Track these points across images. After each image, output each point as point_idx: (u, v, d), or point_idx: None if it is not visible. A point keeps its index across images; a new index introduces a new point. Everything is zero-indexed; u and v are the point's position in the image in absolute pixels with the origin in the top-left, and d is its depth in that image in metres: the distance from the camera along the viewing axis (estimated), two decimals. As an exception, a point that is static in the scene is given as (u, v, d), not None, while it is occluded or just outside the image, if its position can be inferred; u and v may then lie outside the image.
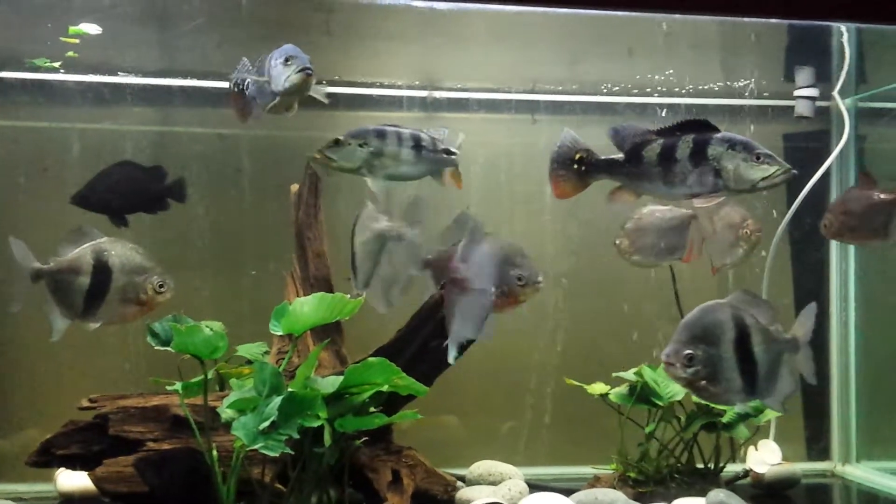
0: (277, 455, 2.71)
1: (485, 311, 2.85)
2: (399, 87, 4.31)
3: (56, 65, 3.86)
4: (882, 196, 3.58)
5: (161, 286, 3.34)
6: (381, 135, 3.35)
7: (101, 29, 3.69)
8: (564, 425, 4.30)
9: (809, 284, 4.54)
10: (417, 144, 3.38)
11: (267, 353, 3.62)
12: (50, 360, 4.02)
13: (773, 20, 3.73)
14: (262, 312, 3.26)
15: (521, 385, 4.30)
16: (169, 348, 2.90)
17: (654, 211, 3.77)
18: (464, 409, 4.26)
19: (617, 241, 3.81)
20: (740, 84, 4.34)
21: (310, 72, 3.11)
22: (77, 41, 3.73)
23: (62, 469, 3.63)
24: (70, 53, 3.78)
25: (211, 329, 2.94)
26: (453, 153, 3.42)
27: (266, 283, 3.99)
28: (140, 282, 3.33)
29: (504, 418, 4.32)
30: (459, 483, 3.66)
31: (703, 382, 2.82)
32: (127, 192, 3.67)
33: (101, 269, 3.31)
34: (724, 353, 2.82)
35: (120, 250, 3.36)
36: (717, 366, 2.81)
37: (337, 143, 3.35)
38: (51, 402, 3.95)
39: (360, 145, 3.34)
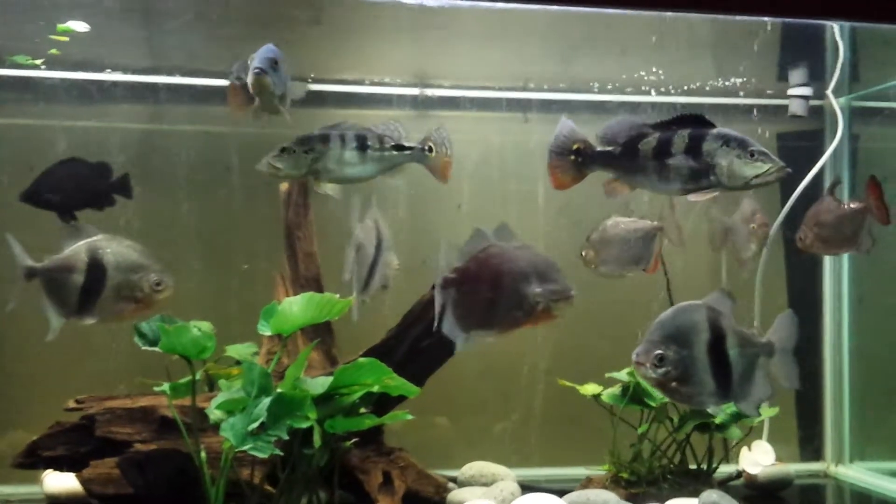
0: (266, 456, 2.68)
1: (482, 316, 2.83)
2: (390, 85, 4.28)
3: (38, 62, 3.82)
4: (852, 206, 3.61)
5: (158, 284, 3.31)
6: (324, 139, 3.30)
7: (88, 26, 3.67)
8: (557, 426, 4.28)
9: (803, 285, 4.53)
10: (363, 145, 3.33)
11: (256, 353, 3.60)
12: (36, 361, 3.98)
13: (766, 19, 3.72)
14: (252, 312, 3.23)
15: (513, 386, 4.28)
16: (156, 348, 2.86)
17: (619, 223, 3.80)
18: (455, 410, 4.24)
19: (583, 253, 3.81)
20: (732, 82, 4.33)
21: (258, 72, 3.08)
22: (66, 38, 3.71)
23: (49, 470, 3.60)
24: (53, 51, 3.76)
25: (199, 329, 2.90)
26: (406, 148, 3.37)
27: (255, 283, 3.95)
28: (136, 279, 3.30)
29: (496, 419, 4.30)
30: (451, 484, 3.64)
31: (675, 384, 2.76)
32: (73, 189, 3.66)
33: (96, 267, 3.28)
34: (697, 355, 2.75)
35: (116, 248, 3.33)
36: (688, 367, 2.74)
37: (283, 151, 3.30)
38: (37, 402, 3.91)
39: (306, 152, 3.31)
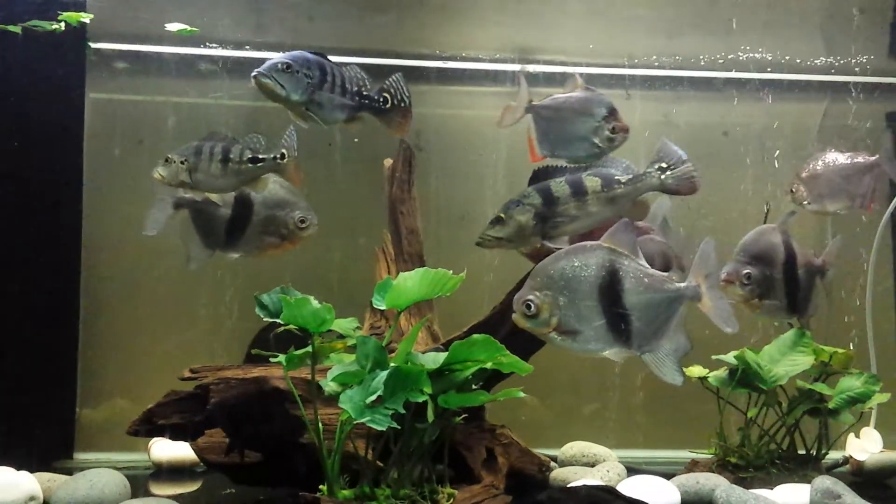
0: (384, 429, 2.66)
1: None
2: (493, 61, 4.24)
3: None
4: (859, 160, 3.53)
5: (303, 221, 3.34)
6: (198, 151, 3.37)
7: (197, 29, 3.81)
8: (657, 408, 4.22)
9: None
10: (226, 158, 3.35)
11: (359, 328, 3.58)
12: (138, 333, 4.05)
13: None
14: (350, 287, 3.22)
15: (613, 367, 4.23)
16: (278, 320, 2.86)
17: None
18: (554, 390, 4.20)
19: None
20: (841, 60, 4.20)
21: (254, 76, 3.15)
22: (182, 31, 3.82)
23: (156, 439, 3.66)
24: (185, 31, 3.83)
25: (319, 302, 2.89)
26: (260, 160, 3.38)
27: (354, 258, 3.94)
28: (282, 216, 3.33)
29: (595, 400, 4.26)
30: (553, 463, 3.61)
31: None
32: None
33: (243, 202, 3.32)
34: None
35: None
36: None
37: (166, 161, 3.35)
38: (139, 373, 3.98)
39: (182, 162, 3.35)
